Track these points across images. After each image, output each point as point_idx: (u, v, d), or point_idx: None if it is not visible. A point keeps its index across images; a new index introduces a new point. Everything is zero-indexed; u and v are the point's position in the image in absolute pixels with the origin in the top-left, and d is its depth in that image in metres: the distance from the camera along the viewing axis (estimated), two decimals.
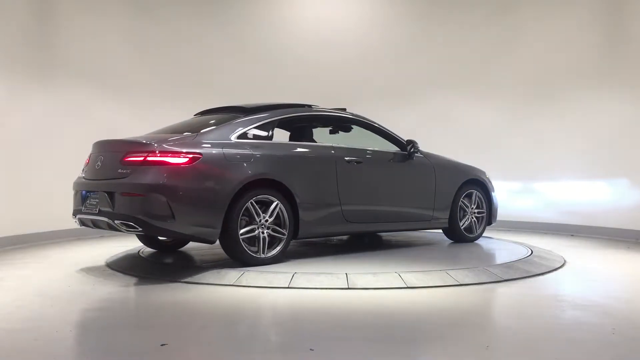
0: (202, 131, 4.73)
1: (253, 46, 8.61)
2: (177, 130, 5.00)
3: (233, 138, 4.71)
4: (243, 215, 4.57)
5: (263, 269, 4.53)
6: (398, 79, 8.68)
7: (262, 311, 3.66)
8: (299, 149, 5.15)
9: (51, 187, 6.86)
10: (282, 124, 5.41)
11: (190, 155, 4.40)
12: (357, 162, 5.34)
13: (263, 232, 4.67)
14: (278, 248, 4.75)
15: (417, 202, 5.80)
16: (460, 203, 6.06)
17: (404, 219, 5.77)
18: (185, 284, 4.34)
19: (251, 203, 4.58)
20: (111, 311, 3.73)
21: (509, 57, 8.32)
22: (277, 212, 4.73)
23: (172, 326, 3.34)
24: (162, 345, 2.91)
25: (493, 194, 6.41)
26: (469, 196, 6.17)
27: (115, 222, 4.42)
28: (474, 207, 6.22)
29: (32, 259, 5.64)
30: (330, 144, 5.38)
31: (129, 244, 6.26)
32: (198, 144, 4.53)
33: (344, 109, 5.87)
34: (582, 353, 2.85)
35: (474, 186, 6.21)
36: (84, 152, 5.45)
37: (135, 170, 4.39)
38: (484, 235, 6.45)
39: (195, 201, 4.40)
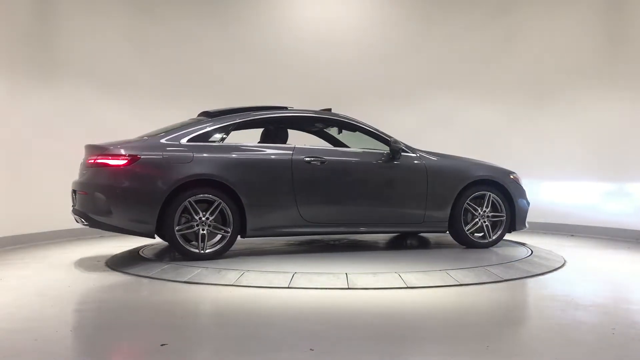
0: (151, 134, 5.21)
1: (253, 46, 8.61)
2: (163, 131, 5.29)
3: (183, 141, 5.05)
4: (186, 212, 4.90)
5: (263, 269, 4.54)
6: (398, 79, 8.68)
7: (262, 311, 3.66)
8: (249, 151, 5.23)
9: (51, 187, 6.86)
10: (256, 126, 5.66)
11: (129, 157, 4.85)
12: (321, 162, 5.29)
13: (203, 230, 4.91)
14: (220, 245, 5.00)
15: (401, 203, 5.53)
16: (465, 205, 5.62)
17: (385, 220, 5.53)
18: (185, 284, 4.34)
19: (189, 202, 4.88)
20: (111, 311, 3.73)
21: (509, 57, 8.32)
22: (223, 211, 4.98)
23: (172, 326, 3.35)
24: (162, 345, 2.91)
25: (518, 197, 5.83)
26: (481, 198, 5.71)
27: (75, 216, 5.18)
28: (487, 211, 5.70)
29: (32, 259, 5.64)
30: (293, 145, 5.39)
31: (129, 243, 6.26)
32: (142, 147, 4.97)
33: (330, 109, 5.89)
34: (582, 353, 2.85)
35: (488, 187, 5.70)
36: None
37: (88, 171, 5.02)
38: None
39: (131, 199, 4.88)
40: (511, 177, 5.90)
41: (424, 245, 6.23)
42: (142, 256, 5.34)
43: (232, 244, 5.09)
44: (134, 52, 8.07)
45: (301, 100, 7.71)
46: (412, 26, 8.72)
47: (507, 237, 6.20)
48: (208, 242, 4.98)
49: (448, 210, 5.59)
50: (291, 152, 5.26)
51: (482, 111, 8.48)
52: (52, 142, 7.04)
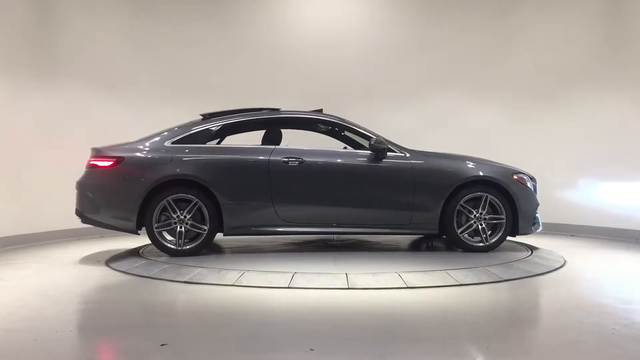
0: (148, 137, 5.49)
1: (253, 46, 8.60)
2: (159, 133, 5.57)
3: (168, 143, 5.36)
4: (167, 211, 5.19)
5: (263, 269, 4.54)
6: (398, 79, 8.68)
7: (262, 311, 3.66)
8: (227, 152, 5.41)
9: (51, 187, 6.87)
10: (242, 128, 5.90)
11: (114, 159, 5.27)
12: (300, 163, 5.33)
13: (181, 227, 5.19)
14: (197, 242, 5.23)
15: (384, 204, 5.40)
16: (458, 207, 5.39)
17: (367, 221, 5.42)
18: (185, 284, 4.34)
19: (167, 201, 5.18)
20: (111, 311, 3.73)
21: (509, 57, 8.31)
22: (201, 210, 5.21)
23: (172, 326, 3.35)
24: (162, 345, 2.91)
25: (522, 198, 5.48)
26: (479, 199, 5.43)
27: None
28: (483, 213, 5.43)
29: (32, 259, 5.64)
30: (273, 146, 5.49)
31: (129, 243, 6.26)
32: (127, 149, 5.35)
33: (320, 110, 5.93)
34: (582, 353, 2.85)
35: (486, 188, 5.44)
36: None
37: (85, 172, 5.43)
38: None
39: (114, 197, 5.30)
40: (514, 177, 5.55)
41: (424, 245, 6.23)
42: (142, 256, 5.35)
43: (210, 242, 5.32)
44: (134, 52, 8.07)
45: (301, 100, 7.72)
46: (412, 26, 8.71)
47: (508, 237, 6.18)
48: (191, 239, 5.25)
49: (438, 212, 5.39)
50: (270, 152, 5.37)
51: (482, 111, 8.48)
52: (51, 142, 7.04)
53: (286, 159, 5.33)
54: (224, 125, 5.57)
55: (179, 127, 5.56)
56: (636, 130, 7.18)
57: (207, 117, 5.64)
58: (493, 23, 8.44)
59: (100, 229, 6.51)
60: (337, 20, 8.77)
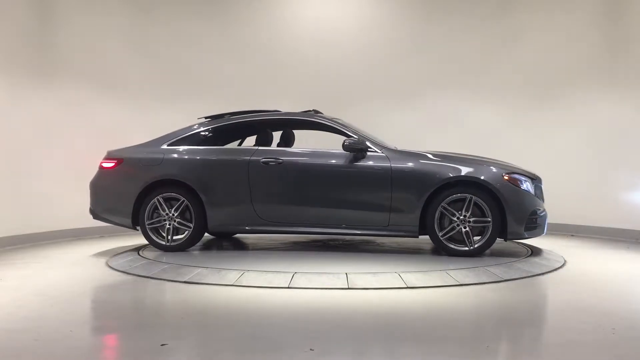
0: (151, 140, 5.84)
1: (253, 46, 8.60)
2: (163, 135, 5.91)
3: (164, 146, 5.70)
4: (158, 209, 5.53)
5: (263, 269, 4.55)
6: (398, 79, 8.67)
7: (262, 311, 3.66)
8: (212, 153, 5.64)
9: (51, 187, 6.86)
10: (234, 130, 6.13)
11: (115, 160, 5.74)
12: (278, 163, 5.41)
13: (170, 224, 5.52)
14: (184, 239, 5.55)
15: (360, 205, 5.31)
16: (440, 209, 5.14)
17: (344, 221, 5.35)
18: (185, 284, 4.34)
19: (157, 199, 5.53)
20: (111, 311, 3.74)
21: (510, 57, 8.31)
22: (188, 208, 5.50)
23: (172, 326, 3.35)
24: (162, 345, 2.92)
25: (512, 200, 5.08)
26: (462, 200, 5.13)
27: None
28: (468, 215, 5.13)
29: (32, 259, 5.64)
30: (255, 147, 5.65)
31: (129, 243, 6.27)
32: (128, 152, 5.77)
33: (313, 111, 5.95)
34: (582, 353, 2.85)
35: (470, 188, 5.13)
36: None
37: (96, 172, 5.88)
38: None
39: (113, 196, 5.76)
40: (505, 177, 5.15)
41: (424, 246, 6.23)
42: (142, 256, 5.35)
43: (196, 238, 5.59)
44: (134, 52, 8.06)
45: (300, 100, 7.72)
46: (412, 26, 8.71)
47: None
48: (180, 236, 5.59)
49: (417, 214, 5.18)
50: (251, 153, 5.53)
51: (483, 111, 8.47)
52: (51, 142, 7.04)
53: (266, 160, 5.44)
54: (217, 127, 5.80)
55: (179, 129, 5.84)
56: (636, 130, 7.18)
57: (210, 119, 5.91)
58: (493, 23, 8.43)
59: (99, 229, 6.63)
60: (337, 20, 8.76)
